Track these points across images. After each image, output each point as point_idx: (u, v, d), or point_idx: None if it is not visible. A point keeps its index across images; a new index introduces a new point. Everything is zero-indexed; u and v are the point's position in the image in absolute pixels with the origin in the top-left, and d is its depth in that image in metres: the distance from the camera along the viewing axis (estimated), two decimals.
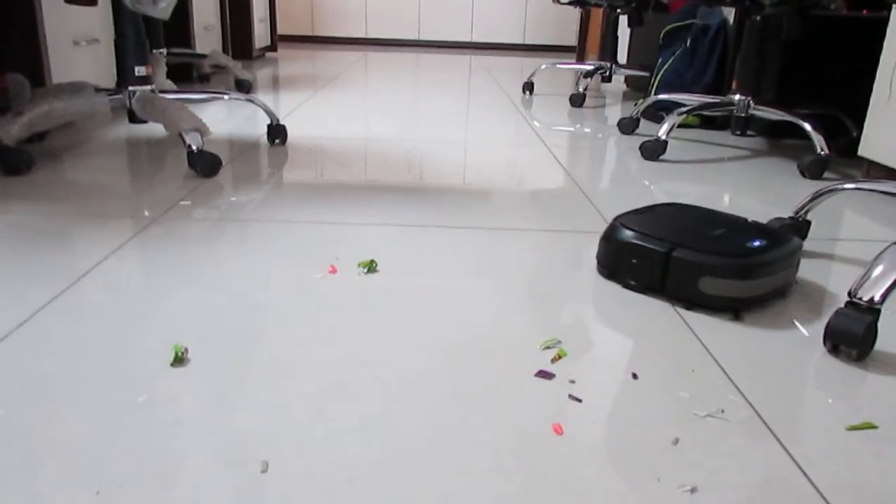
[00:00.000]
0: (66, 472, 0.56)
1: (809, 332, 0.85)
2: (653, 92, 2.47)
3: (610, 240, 0.98)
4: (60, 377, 0.69)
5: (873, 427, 0.66)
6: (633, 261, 0.94)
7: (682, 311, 0.90)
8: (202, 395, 0.67)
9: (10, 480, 0.54)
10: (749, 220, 1.03)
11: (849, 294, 0.79)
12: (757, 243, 0.93)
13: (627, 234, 0.96)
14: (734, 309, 0.90)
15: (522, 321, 0.85)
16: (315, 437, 0.61)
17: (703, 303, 0.90)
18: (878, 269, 0.78)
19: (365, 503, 0.53)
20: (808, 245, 1.16)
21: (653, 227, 0.97)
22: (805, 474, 0.59)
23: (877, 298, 0.76)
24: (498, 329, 0.83)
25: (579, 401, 0.68)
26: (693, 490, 0.56)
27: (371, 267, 1.00)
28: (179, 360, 0.73)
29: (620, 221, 0.99)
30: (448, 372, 0.73)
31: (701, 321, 0.87)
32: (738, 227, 1.00)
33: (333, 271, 0.99)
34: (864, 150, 1.62)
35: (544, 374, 0.73)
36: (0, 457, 0.57)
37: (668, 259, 0.90)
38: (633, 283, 0.95)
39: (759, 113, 1.91)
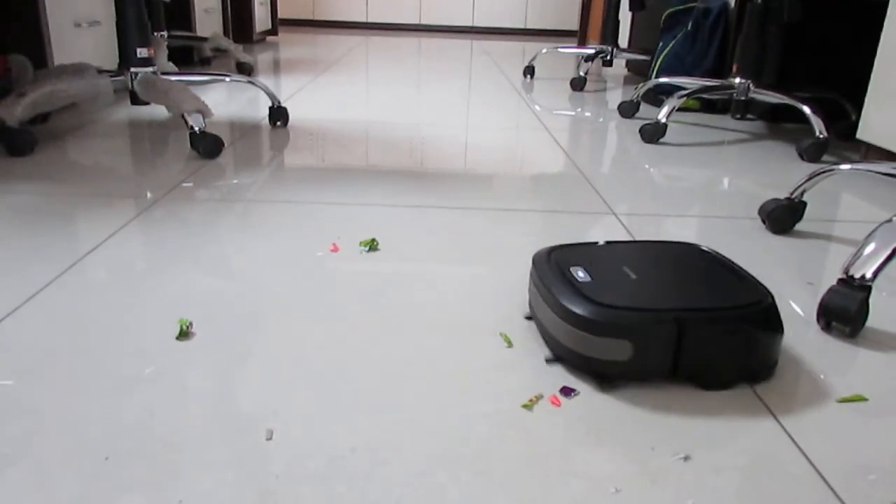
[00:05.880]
0: (74, 440, 0.57)
1: (803, 310, 0.86)
2: (653, 75, 2.47)
3: None
4: (67, 350, 0.71)
5: (864, 399, 0.67)
6: None
7: None
8: (207, 368, 0.68)
9: (20, 449, 0.56)
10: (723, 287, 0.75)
11: (842, 272, 0.80)
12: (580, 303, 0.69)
13: None
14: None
15: (521, 299, 0.87)
16: (318, 407, 0.63)
17: None
18: (870, 247, 0.79)
19: (368, 469, 0.55)
20: (804, 226, 1.17)
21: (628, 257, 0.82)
22: (796, 444, 0.60)
23: (868, 276, 0.78)
24: (497, 306, 0.84)
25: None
26: (686, 458, 0.58)
27: (372, 246, 1.01)
28: (185, 334, 0.74)
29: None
30: (448, 347, 0.74)
31: None
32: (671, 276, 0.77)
33: (335, 250, 1.00)
34: (862, 134, 1.63)
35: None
36: (9, 426, 0.59)
37: None
38: None
39: (758, 96, 1.92)
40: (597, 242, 0.86)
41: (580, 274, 0.75)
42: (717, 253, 0.82)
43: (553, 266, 0.77)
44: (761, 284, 0.74)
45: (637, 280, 0.74)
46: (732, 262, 0.79)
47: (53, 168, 1.37)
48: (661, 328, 0.66)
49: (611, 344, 0.67)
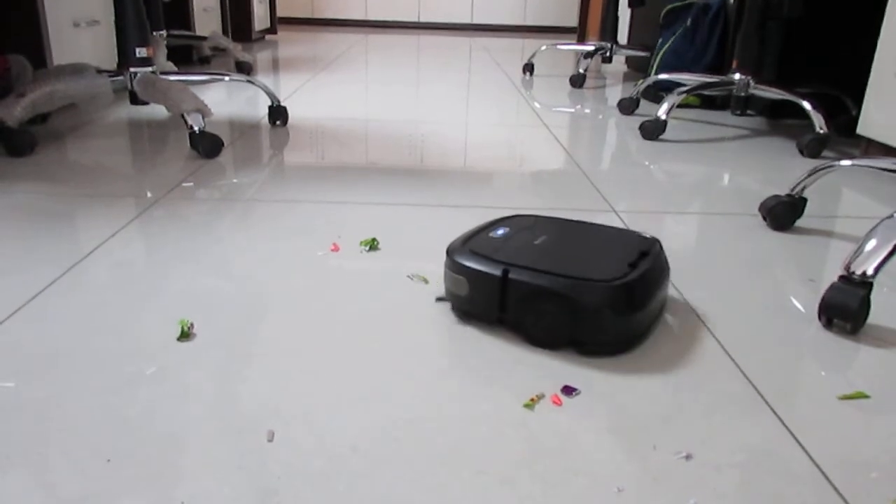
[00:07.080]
0: (77, 441, 0.57)
1: (804, 307, 0.86)
2: (653, 72, 2.47)
3: None
4: (69, 351, 0.71)
5: (866, 397, 0.67)
6: None
7: (679, 287, 0.91)
8: (209, 368, 0.68)
9: (22, 449, 0.56)
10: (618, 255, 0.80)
11: (843, 269, 0.80)
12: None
13: None
14: None
15: None
16: (319, 407, 0.63)
17: None
18: (871, 244, 0.79)
19: (369, 469, 0.55)
20: (804, 222, 1.17)
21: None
22: (798, 442, 0.60)
23: (869, 272, 0.78)
24: None
25: (578, 374, 0.70)
26: (688, 457, 0.58)
27: (373, 245, 1.01)
28: (186, 334, 0.74)
29: None
30: (447, 346, 0.74)
31: (698, 296, 0.88)
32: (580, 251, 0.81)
33: (336, 249, 1.00)
34: (862, 129, 1.63)
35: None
36: (12, 427, 0.59)
37: None
38: None
39: (758, 92, 1.91)
40: (567, 220, 0.91)
41: (499, 231, 0.85)
42: (660, 246, 0.83)
43: (493, 221, 0.89)
44: (639, 270, 0.75)
45: (533, 245, 0.81)
46: (658, 254, 0.81)
47: (53, 168, 1.37)
48: (488, 273, 0.76)
49: (456, 279, 0.79)
